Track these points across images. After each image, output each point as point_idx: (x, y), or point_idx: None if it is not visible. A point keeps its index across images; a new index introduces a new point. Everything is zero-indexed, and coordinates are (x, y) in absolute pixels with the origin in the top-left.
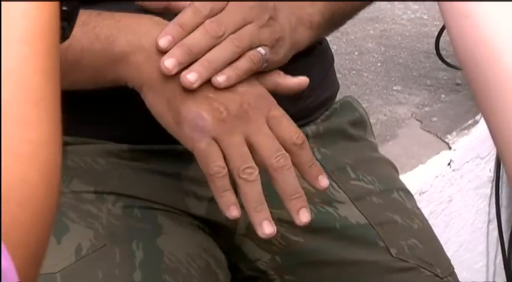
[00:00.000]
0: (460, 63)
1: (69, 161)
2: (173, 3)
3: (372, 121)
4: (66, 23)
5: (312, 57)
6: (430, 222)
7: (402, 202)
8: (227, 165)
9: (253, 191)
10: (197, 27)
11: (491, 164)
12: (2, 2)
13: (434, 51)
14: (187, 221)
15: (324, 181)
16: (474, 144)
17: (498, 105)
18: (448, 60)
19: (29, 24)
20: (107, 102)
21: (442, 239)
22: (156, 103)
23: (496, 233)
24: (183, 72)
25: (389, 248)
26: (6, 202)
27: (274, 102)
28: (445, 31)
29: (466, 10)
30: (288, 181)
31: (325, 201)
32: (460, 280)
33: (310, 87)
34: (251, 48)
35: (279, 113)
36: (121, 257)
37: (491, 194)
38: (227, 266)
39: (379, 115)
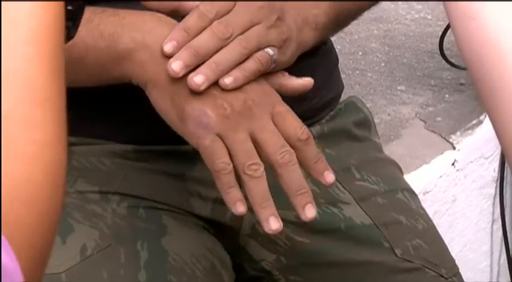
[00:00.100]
0: (466, 63)
1: (74, 161)
2: (181, 4)
3: (375, 121)
4: (71, 22)
5: (316, 57)
6: (434, 222)
7: (407, 202)
8: (232, 162)
9: (258, 187)
10: (202, 31)
11: (496, 164)
12: (7, 3)
13: (438, 51)
14: (192, 221)
15: (330, 176)
16: (478, 144)
17: (504, 105)
18: (452, 60)
19: (34, 24)
20: (112, 103)
21: (446, 239)
22: (160, 100)
23: (500, 233)
24: (190, 75)
25: (394, 249)
26: (12, 202)
27: (279, 98)
28: (449, 31)
29: (472, 12)
30: (293, 177)
31: (330, 201)
32: (464, 280)
33: (315, 87)
34: (259, 49)
35: (283, 109)
36: (126, 257)
37: (495, 194)
38: (232, 266)
39: (383, 115)
